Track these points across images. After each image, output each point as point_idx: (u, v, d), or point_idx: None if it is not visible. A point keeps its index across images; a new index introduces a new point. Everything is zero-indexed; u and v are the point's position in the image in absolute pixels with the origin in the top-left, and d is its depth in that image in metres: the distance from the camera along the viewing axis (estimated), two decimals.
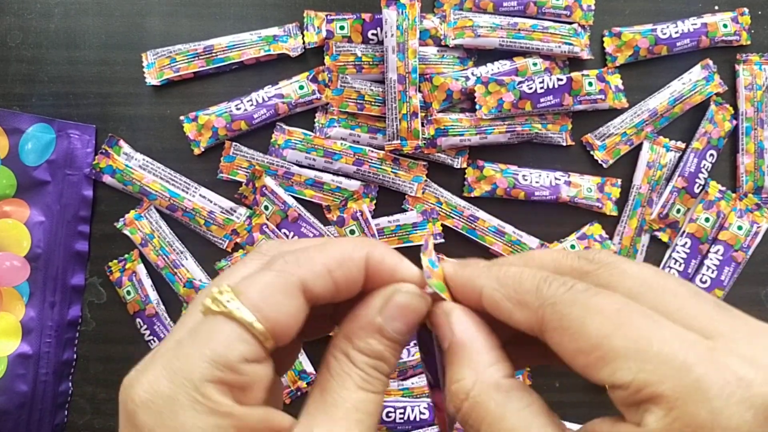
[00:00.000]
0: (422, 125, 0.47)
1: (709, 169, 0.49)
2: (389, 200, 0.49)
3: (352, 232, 0.47)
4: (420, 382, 0.47)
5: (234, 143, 0.48)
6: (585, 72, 0.48)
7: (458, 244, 0.48)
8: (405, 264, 0.23)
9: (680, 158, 0.49)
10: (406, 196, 0.48)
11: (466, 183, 0.49)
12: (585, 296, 0.18)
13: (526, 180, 0.48)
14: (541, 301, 0.19)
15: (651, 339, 0.17)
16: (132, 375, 0.19)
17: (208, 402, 0.18)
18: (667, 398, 0.16)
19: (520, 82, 0.47)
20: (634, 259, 0.49)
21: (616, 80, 0.49)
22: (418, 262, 0.24)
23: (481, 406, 0.19)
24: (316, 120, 0.49)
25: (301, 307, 0.20)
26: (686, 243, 0.48)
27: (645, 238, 0.49)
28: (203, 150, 0.48)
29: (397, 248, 0.47)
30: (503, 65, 0.49)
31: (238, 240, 0.48)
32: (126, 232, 0.48)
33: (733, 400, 0.15)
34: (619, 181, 0.49)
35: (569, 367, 0.19)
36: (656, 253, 0.49)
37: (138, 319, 0.48)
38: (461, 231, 0.48)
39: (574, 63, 0.50)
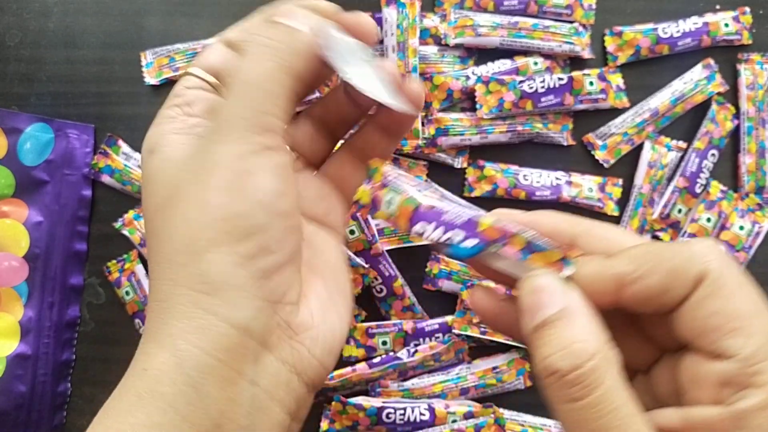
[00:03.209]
0: (422, 125, 0.47)
1: (710, 169, 0.49)
2: None
3: (351, 232, 0.47)
4: (420, 383, 0.47)
5: None
6: (586, 71, 0.48)
7: None
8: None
9: (682, 158, 0.49)
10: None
11: (466, 183, 0.49)
12: (739, 270, 0.20)
13: (526, 180, 0.48)
14: (705, 263, 0.20)
15: None
16: None
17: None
18: None
19: (520, 82, 0.47)
20: None
21: (617, 79, 0.49)
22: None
23: (602, 371, 0.19)
24: None
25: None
26: None
27: (646, 239, 0.49)
28: None
29: (397, 248, 0.47)
30: (504, 64, 0.48)
31: None
32: (125, 232, 0.48)
33: None
34: (621, 180, 0.49)
35: (682, 330, 0.20)
36: None
37: (137, 320, 0.48)
38: None
39: (575, 62, 0.49)
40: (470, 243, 0.23)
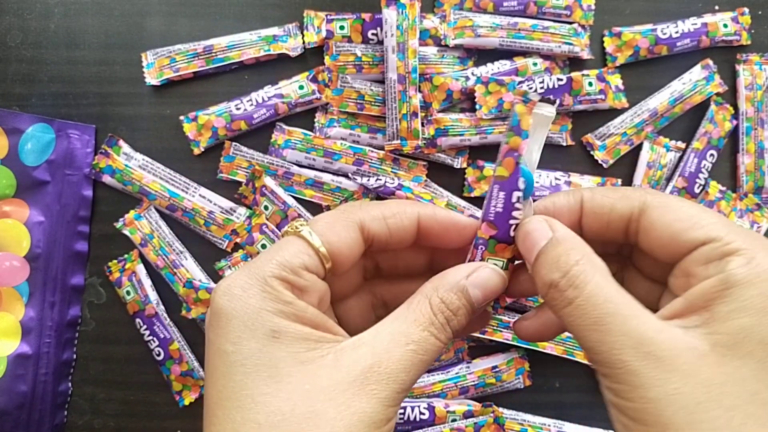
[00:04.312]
0: (422, 125, 0.47)
1: (709, 169, 0.49)
2: (389, 200, 0.49)
3: None
4: (420, 382, 0.47)
5: (234, 143, 0.48)
6: (585, 72, 0.48)
7: None
8: (458, 215, 0.27)
9: (680, 158, 0.49)
10: (406, 196, 0.48)
11: (466, 183, 0.49)
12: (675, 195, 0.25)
13: None
14: (644, 191, 0.24)
15: (731, 222, 0.23)
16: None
17: (273, 291, 0.22)
18: (748, 251, 0.21)
19: (520, 82, 0.47)
20: None
21: (616, 80, 0.49)
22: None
23: (588, 272, 0.22)
24: (316, 120, 0.49)
25: (357, 240, 0.25)
26: None
27: None
28: (203, 150, 0.48)
29: None
30: (503, 65, 0.49)
31: (237, 240, 0.48)
32: (126, 232, 0.48)
33: None
34: (620, 181, 0.49)
35: (650, 245, 0.24)
36: None
37: (138, 320, 0.48)
38: None
39: (574, 63, 0.50)
40: (520, 181, 0.25)
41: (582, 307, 0.22)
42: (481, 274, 0.25)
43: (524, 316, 0.27)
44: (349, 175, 0.48)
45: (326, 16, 0.48)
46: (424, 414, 0.46)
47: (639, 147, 0.49)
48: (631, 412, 0.20)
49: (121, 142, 0.48)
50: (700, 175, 0.49)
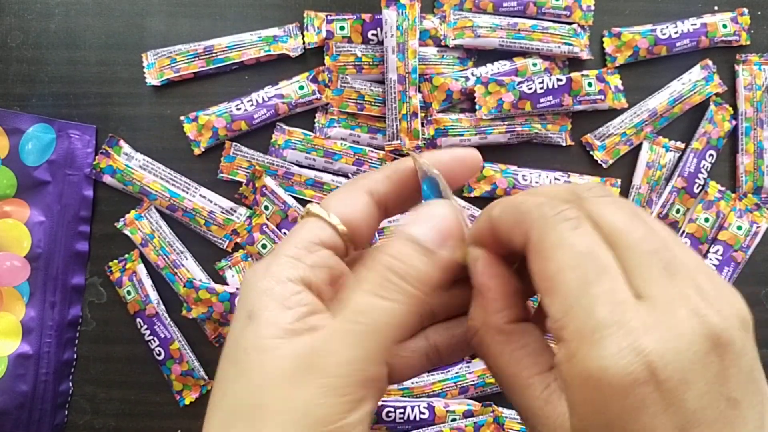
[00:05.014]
0: (422, 125, 0.48)
1: (708, 169, 0.49)
2: None
3: None
4: (420, 382, 0.47)
5: (234, 143, 0.48)
6: (584, 72, 0.48)
7: None
8: (458, 150, 0.26)
9: (680, 158, 0.49)
10: None
11: (466, 183, 0.49)
12: (564, 227, 0.20)
13: (525, 180, 0.48)
14: (531, 222, 0.21)
15: (589, 290, 0.18)
16: None
17: (276, 267, 0.22)
18: (572, 343, 0.18)
19: (519, 83, 0.47)
20: None
21: (615, 80, 0.49)
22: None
23: (484, 343, 0.22)
24: (316, 120, 0.49)
25: (368, 203, 0.25)
26: (686, 243, 0.48)
27: None
28: (203, 150, 0.48)
29: None
30: (503, 65, 0.49)
31: (238, 240, 0.48)
32: (126, 232, 0.48)
33: (621, 363, 0.17)
34: (619, 181, 0.49)
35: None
36: None
37: (138, 319, 0.48)
38: None
39: (573, 63, 0.50)
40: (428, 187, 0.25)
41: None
42: (422, 210, 0.23)
43: None
44: (349, 175, 0.48)
45: (326, 16, 0.48)
46: (424, 413, 0.46)
47: (638, 147, 0.49)
48: None
49: (122, 142, 0.48)
50: (700, 176, 0.49)
